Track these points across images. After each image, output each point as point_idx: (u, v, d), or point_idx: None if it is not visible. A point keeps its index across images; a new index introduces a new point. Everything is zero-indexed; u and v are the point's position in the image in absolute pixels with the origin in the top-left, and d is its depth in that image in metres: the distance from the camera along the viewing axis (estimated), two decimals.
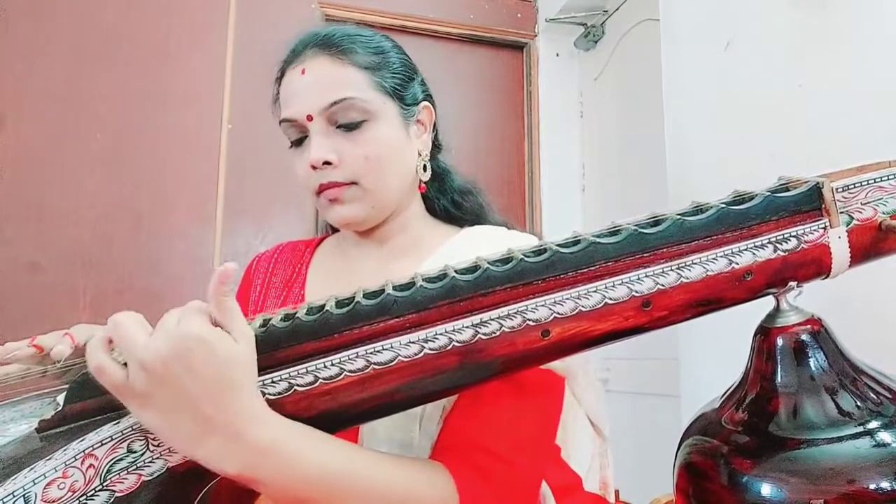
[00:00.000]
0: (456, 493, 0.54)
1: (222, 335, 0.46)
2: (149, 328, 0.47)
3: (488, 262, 0.51)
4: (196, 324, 0.46)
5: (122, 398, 0.47)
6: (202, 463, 0.47)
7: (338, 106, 0.71)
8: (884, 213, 0.50)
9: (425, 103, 0.80)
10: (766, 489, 0.46)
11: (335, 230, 0.90)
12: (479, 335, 0.49)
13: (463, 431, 0.60)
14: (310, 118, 0.72)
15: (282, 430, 0.48)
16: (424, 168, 0.80)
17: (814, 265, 0.50)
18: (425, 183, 0.81)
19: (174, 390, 0.45)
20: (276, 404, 0.49)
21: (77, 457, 0.47)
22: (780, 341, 0.51)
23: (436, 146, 0.84)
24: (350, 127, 0.72)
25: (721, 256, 0.49)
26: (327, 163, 0.72)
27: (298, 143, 0.75)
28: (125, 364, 0.46)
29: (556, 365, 0.64)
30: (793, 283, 0.50)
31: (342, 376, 0.49)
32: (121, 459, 0.47)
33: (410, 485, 0.53)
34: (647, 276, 0.49)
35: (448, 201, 0.85)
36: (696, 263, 0.49)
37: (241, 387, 0.46)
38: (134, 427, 0.48)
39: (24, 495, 0.45)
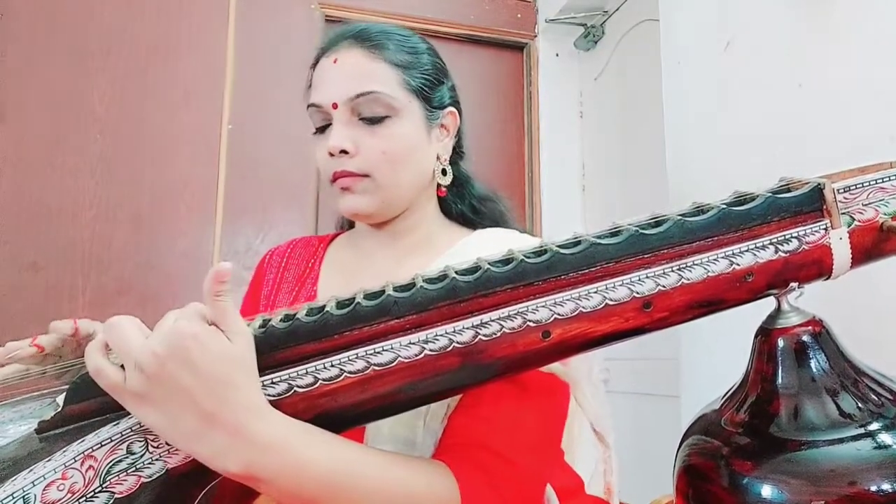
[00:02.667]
0: (458, 491, 0.54)
1: (216, 333, 0.47)
2: (146, 330, 0.48)
3: (489, 263, 0.51)
4: (191, 322, 0.46)
5: (120, 400, 0.47)
6: (205, 461, 0.47)
7: (363, 98, 0.73)
8: (885, 214, 0.50)
9: (451, 109, 0.81)
10: (767, 491, 0.46)
11: (350, 226, 0.90)
12: (479, 336, 0.49)
13: (466, 431, 0.60)
14: (335, 106, 0.73)
15: (285, 427, 0.48)
16: (444, 172, 0.80)
17: (815, 266, 0.50)
18: (445, 187, 0.82)
19: (172, 388, 0.45)
20: (276, 405, 0.49)
21: (77, 458, 0.47)
22: (780, 342, 0.51)
23: (458, 153, 0.85)
24: (372, 120, 0.73)
25: (722, 257, 0.49)
26: (344, 151, 0.73)
27: (322, 129, 0.77)
28: (123, 366, 0.46)
29: (560, 370, 0.64)
30: (794, 285, 0.50)
31: (342, 377, 0.49)
32: (120, 461, 0.47)
33: (413, 484, 0.53)
34: (647, 277, 0.49)
35: (466, 206, 0.85)
36: (697, 264, 0.49)
37: (240, 383, 0.46)
38: (133, 428, 0.48)
39: (23, 497, 0.45)
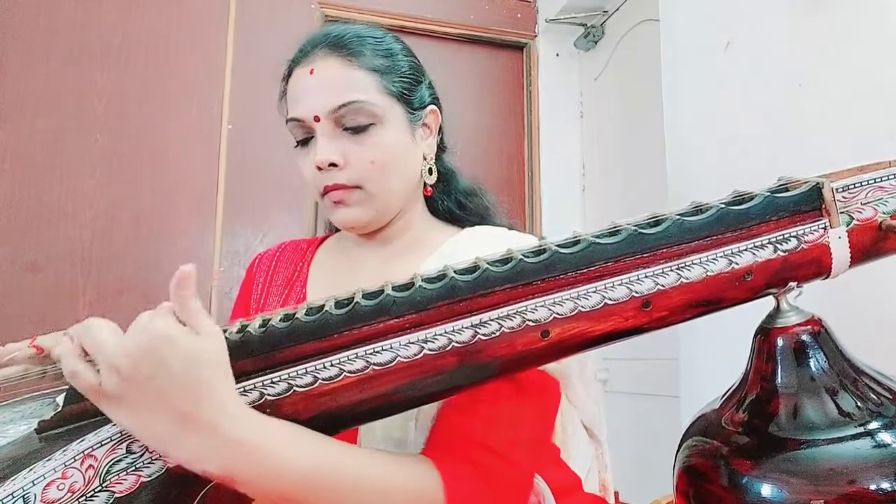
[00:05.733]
0: (441, 485, 0.54)
1: (190, 332, 0.47)
2: (119, 332, 0.47)
3: (488, 263, 0.51)
4: (163, 323, 0.46)
5: (96, 402, 0.47)
6: (183, 464, 0.46)
7: (346, 109, 0.71)
8: (884, 213, 0.50)
9: (432, 107, 0.80)
10: (767, 490, 0.46)
11: (338, 229, 0.90)
12: (478, 336, 0.49)
13: (454, 426, 0.60)
14: (317, 119, 0.72)
15: (262, 426, 0.48)
16: (430, 171, 0.80)
17: (814, 265, 0.50)
18: (431, 186, 0.81)
19: (147, 389, 0.45)
20: (276, 405, 0.49)
21: (76, 458, 0.47)
22: (780, 342, 0.51)
23: (441, 147, 0.85)
24: (357, 130, 0.72)
25: (721, 257, 0.49)
26: (333, 165, 0.72)
27: (304, 142, 0.76)
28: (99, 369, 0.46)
29: (551, 367, 0.64)
30: (793, 284, 0.50)
31: (342, 377, 0.49)
32: (120, 460, 0.47)
33: (392, 479, 0.52)
34: (646, 277, 0.49)
35: (453, 202, 0.85)
36: (696, 264, 0.49)
37: (214, 384, 0.46)
38: None
39: (23, 496, 0.45)
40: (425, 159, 0.79)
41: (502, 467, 0.58)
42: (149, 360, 0.45)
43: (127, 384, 0.45)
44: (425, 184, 0.81)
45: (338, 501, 0.50)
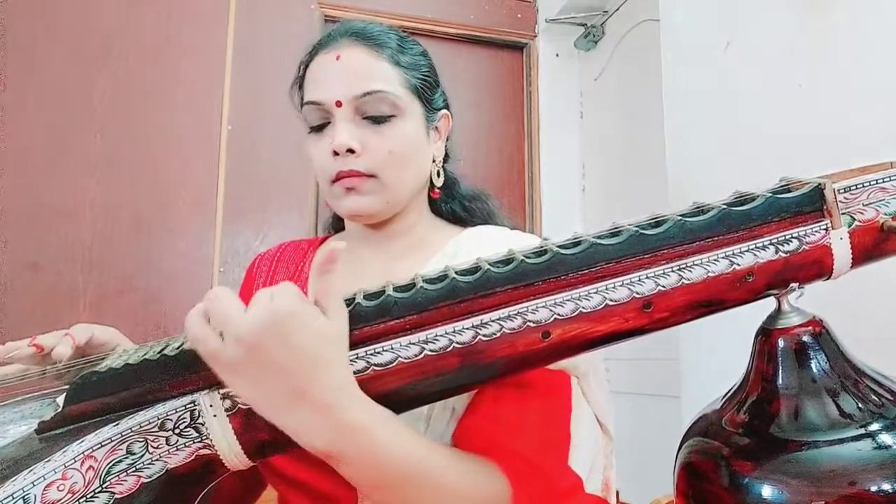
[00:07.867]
0: (510, 491, 0.55)
1: (314, 310, 0.47)
2: (243, 304, 0.48)
3: (489, 263, 0.51)
4: (289, 299, 0.47)
5: (215, 368, 0.47)
6: (290, 434, 0.47)
7: (370, 97, 0.71)
8: (886, 215, 0.50)
9: (445, 111, 0.81)
10: (767, 491, 0.46)
11: (338, 230, 0.90)
12: (479, 336, 0.49)
13: (488, 435, 0.60)
14: (339, 104, 0.72)
15: (369, 412, 0.48)
16: (438, 174, 0.80)
17: (815, 266, 0.50)
18: (438, 188, 0.82)
19: (266, 362, 0.46)
20: None
21: (76, 458, 0.47)
22: (781, 343, 0.51)
23: (446, 154, 0.85)
24: (378, 120, 0.72)
25: (722, 258, 0.49)
26: (351, 150, 0.71)
27: (319, 128, 0.75)
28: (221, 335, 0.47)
29: (565, 363, 0.64)
30: (794, 285, 0.50)
31: None
32: (120, 461, 0.47)
33: (474, 480, 0.54)
34: (648, 278, 0.49)
35: (457, 206, 0.85)
36: (697, 265, 0.49)
37: (332, 363, 0.47)
38: (133, 429, 0.48)
39: (23, 497, 0.45)
40: (434, 161, 0.80)
41: (542, 478, 0.59)
42: (272, 334, 0.45)
43: (247, 354, 0.45)
44: (431, 185, 0.81)
45: (421, 494, 0.51)
